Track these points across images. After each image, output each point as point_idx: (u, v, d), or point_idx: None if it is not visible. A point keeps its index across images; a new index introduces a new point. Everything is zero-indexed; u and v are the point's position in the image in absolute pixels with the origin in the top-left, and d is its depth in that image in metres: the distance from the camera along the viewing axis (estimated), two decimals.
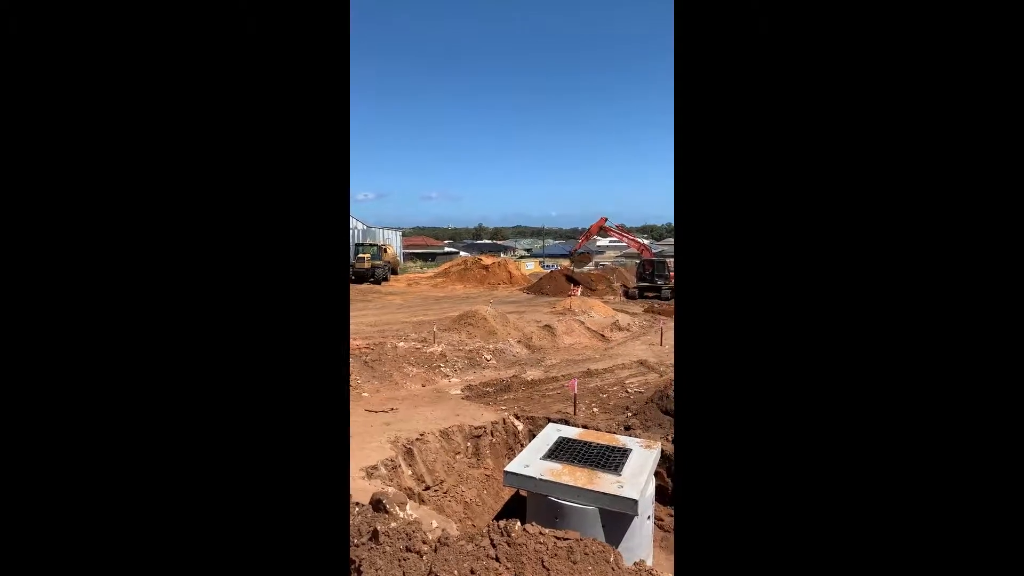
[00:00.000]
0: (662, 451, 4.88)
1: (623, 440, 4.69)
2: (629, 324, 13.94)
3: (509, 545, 2.03)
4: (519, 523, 2.15)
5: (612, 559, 2.15)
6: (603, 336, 12.46)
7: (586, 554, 2.04)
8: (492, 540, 2.05)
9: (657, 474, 4.89)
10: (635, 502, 3.68)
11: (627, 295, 21.29)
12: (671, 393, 5.54)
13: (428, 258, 50.33)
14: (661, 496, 4.97)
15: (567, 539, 2.13)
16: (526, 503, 4.34)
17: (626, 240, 22.02)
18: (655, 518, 4.73)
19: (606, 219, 22.42)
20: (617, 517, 3.79)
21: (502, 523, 2.14)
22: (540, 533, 2.12)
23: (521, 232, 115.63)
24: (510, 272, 27.66)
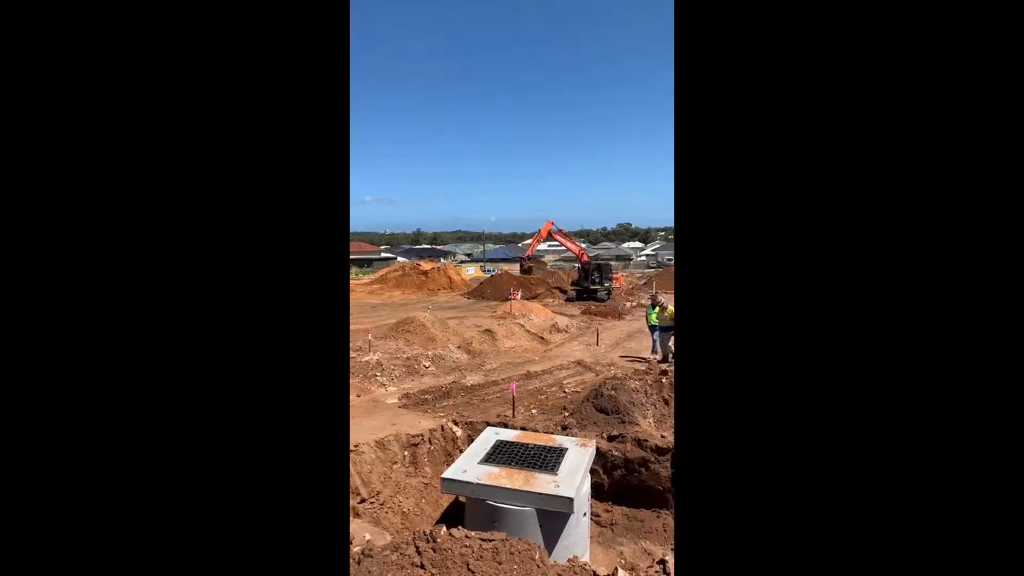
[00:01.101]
0: (597, 448, 5.00)
1: (560, 440, 4.76)
2: (568, 326, 14.20)
3: (435, 551, 1.99)
4: (444, 528, 2.12)
5: (538, 556, 2.16)
6: (542, 338, 12.62)
7: (511, 554, 2.05)
8: (417, 547, 2.01)
9: (593, 471, 5.01)
10: (571, 500, 3.74)
11: (568, 297, 21.60)
12: (605, 391, 5.69)
13: (364, 264, 48.93)
14: (598, 493, 5.08)
15: (492, 540, 2.13)
16: (464, 509, 4.30)
17: (567, 245, 22.36)
18: (592, 514, 4.83)
19: (552, 223, 22.67)
20: (554, 516, 3.83)
21: (427, 530, 2.10)
22: (466, 537, 2.10)
23: (461, 237, 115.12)
24: (450, 277, 27.45)
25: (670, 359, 9.62)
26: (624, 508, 5.07)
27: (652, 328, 10.32)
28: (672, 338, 9.96)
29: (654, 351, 10.18)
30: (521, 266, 23.87)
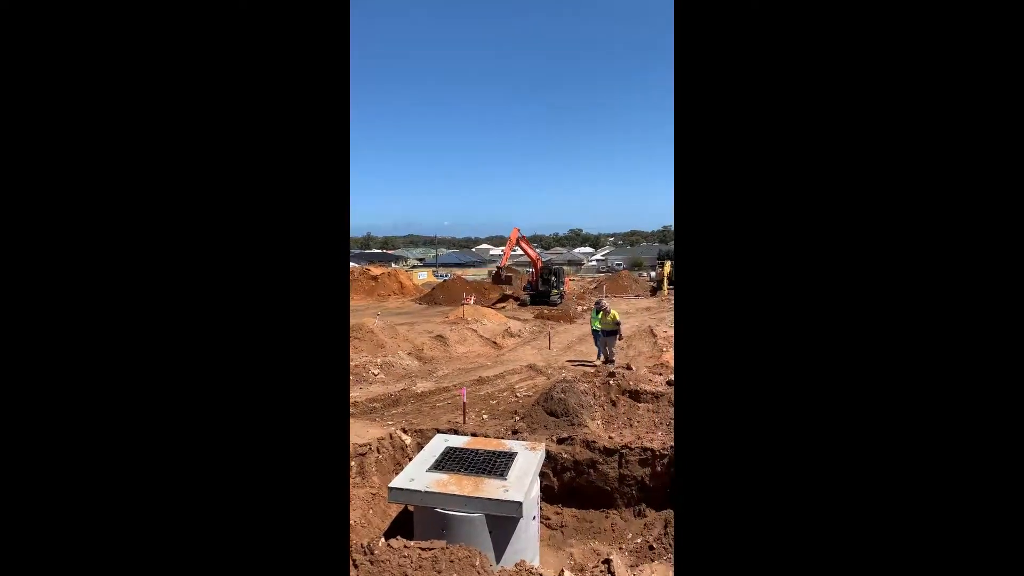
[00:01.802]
0: (547, 451, 5.04)
1: (510, 444, 4.77)
2: (520, 330, 14.27)
3: (372, 563, 1.94)
4: (383, 540, 2.07)
5: (479, 563, 2.15)
6: (495, 343, 12.62)
7: (451, 561, 2.03)
8: (354, 560, 1.95)
9: (543, 474, 5.04)
10: (519, 504, 3.75)
11: (520, 302, 21.63)
12: (555, 394, 5.75)
13: None
14: (548, 495, 5.12)
15: (432, 549, 2.10)
16: (413, 518, 4.22)
17: (527, 251, 22.36)
18: (542, 517, 4.86)
19: (519, 230, 22.59)
20: (503, 521, 3.83)
21: (365, 542, 2.05)
22: (404, 547, 2.06)
23: (413, 241, 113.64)
24: (401, 283, 26.96)
25: (613, 361, 9.83)
26: (574, 510, 5.13)
27: (595, 333, 10.51)
28: (616, 341, 10.18)
29: (599, 355, 10.33)
30: (498, 275, 22.39)
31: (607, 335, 10.20)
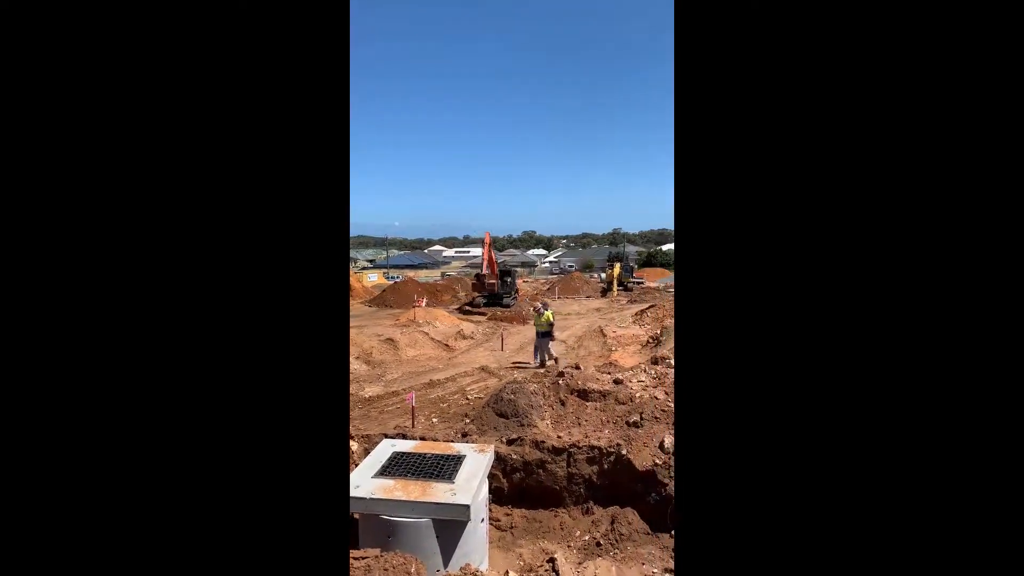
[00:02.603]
0: (496, 453, 5.04)
1: (458, 447, 4.73)
2: (473, 332, 14.23)
3: None
4: None
5: (414, 569, 2.12)
6: (447, 346, 12.52)
7: (385, 570, 1.98)
8: None
9: (493, 476, 5.03)
10: (467, 507, 3.72)
11: (472, 304, 21.41)
12: (504, 396, 5.76)
13: None
14: (498, 497, 5.12)
15: (365, 557, 2.05)
16: (358, 526, 4.11)
17: (488, 255, 22.08)
18: (492, 519, 4.85)
19: (489, 234, 22.29)
20: (451, 525, 3.79)
21: None
22: None
23: (363, 243, 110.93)
24: (350, 285, 26.30)
25: (547, 363, 9.81)
26: (523, 510, 5.16)
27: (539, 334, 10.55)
28: (550, 342, 10.15)
29: (549, 357, 10.30)
30: (483, 283, 20.52)
31: (541, 337, 10.17)
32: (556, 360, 9.99)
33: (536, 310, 10.63)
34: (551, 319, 10.18)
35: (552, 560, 2.96)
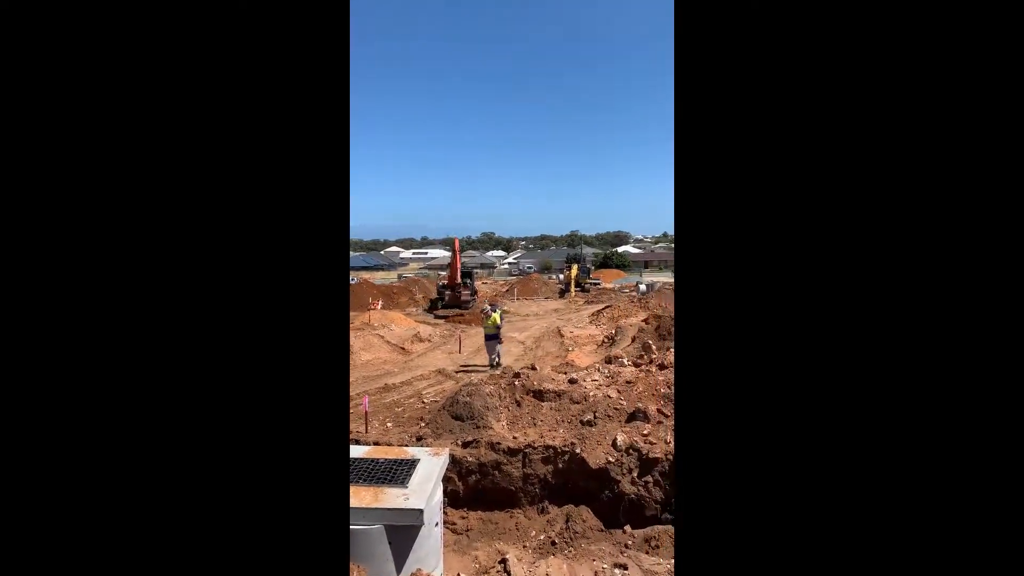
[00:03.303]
0: (452, 456, 5.01)
1: (412, 451, 4.67)
2: (430, 335, 14.09)
3: None
4: None
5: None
6: (403, 349, 12.34)
7: None
8: None
9: (449, 479, 5.00)
10: (420, 512, 3.68)
11: (433, 306, 21.04)
12: (460, 398, 5.74)
13: None
14: (453, 500, 5.09)
15: None
16: None
17: (454, 260, 21.74)
18: (447, 523, 4.81)
19: (457, 240, 21.90)
20: (404, 530, 3.73)
21: None
22: None
23: None
24: None
25: (495, 365, 9.69)
26: (479, 512, 5.14)
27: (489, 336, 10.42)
28: (497, 345, 9.96)
29: (496, 360, 10.08)
30: (451, 292, 19.32)
31: (488, 339, 10.00)
32: (498, 365, 9.71)
33: (484, 312, 10.49)
34: (498, 321, 9.94)
35: (504, 561, 2.97)
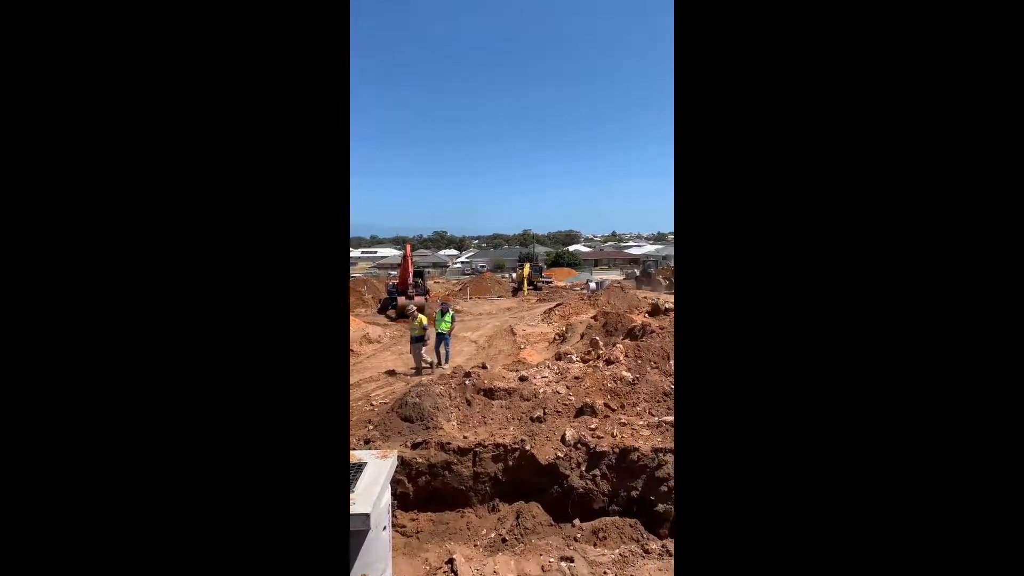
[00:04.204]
0: (400, 458, 4.94)
1: (359, 455, 4.57)
2: (380, 336, 13.81)
3: None
4: None
5: None
6: (352, 350, 12.02)
7: None
8: None
9: (398, 481, 4.93)
10: (367, 516, 3.61)
11: (383, 306, 20.48)
12: (409, 399, 5.66)
13: None
14: (403, 502, 5.02)
15: None
16: None
17: (405, 264, 21.15)
18: (396, 526, 4.74)
19: (409, 245, 21.36)
20: (351, 535, 3.65)
21: None
22: None
23: None
24: None
25: (422, 369, 9.24)
26: (430, 513, 5.10)
27: (439, 336, 9.99)
28: (423, 347, 9.47)
29: (422, 365, 9.56)
30: (396, 303, 18.38)
31: (414, 342, 9.43)
32: (420, 369, 9.29)
33: (411, 314, 9.96)
34: (424, 323, 9.48)
35: (451, 561, 2.96)
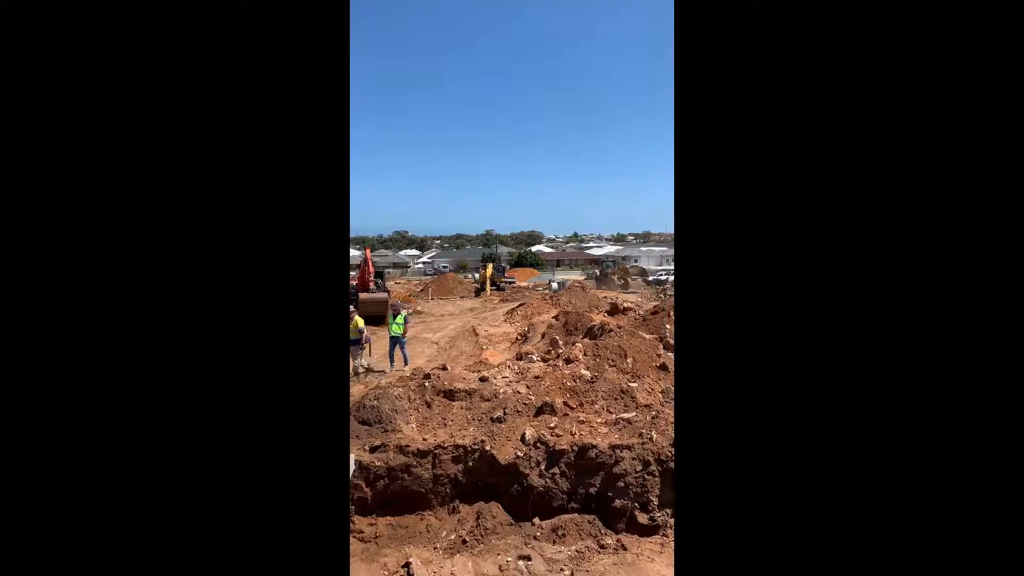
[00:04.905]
0: (359, 462, 4.85)
1: None
2: None
3: None
4: None
5: None
6: None
7: None
8: None
9: (355, 486, 4.83)
10: None
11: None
12: (367, 403, 5.57)
13: None
14: (361, 507, 4.92)
15: None
16: None
17: (366, 267, 20.62)
18: (355, 531, 4.66)
19: (370, 249, 20.83)
20: None
21: None
22: None
23: None
24: None
25: (359, 373, 8.96)
26: (388, 518, 5.02)
27: (392, 339, 9.79)
28: (360, 351, 9.19)
29: (359, 369, 9.24)
30: (365, 292, 17.59)
31: (351, 344, 8.94)
32: (359, 373, 9.06)
33: (351, 317, 9.47)
34: (360, 325, 9.23)
35: (407, 565, 2.93)
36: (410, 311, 18.38)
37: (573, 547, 4.02)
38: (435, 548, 4.59)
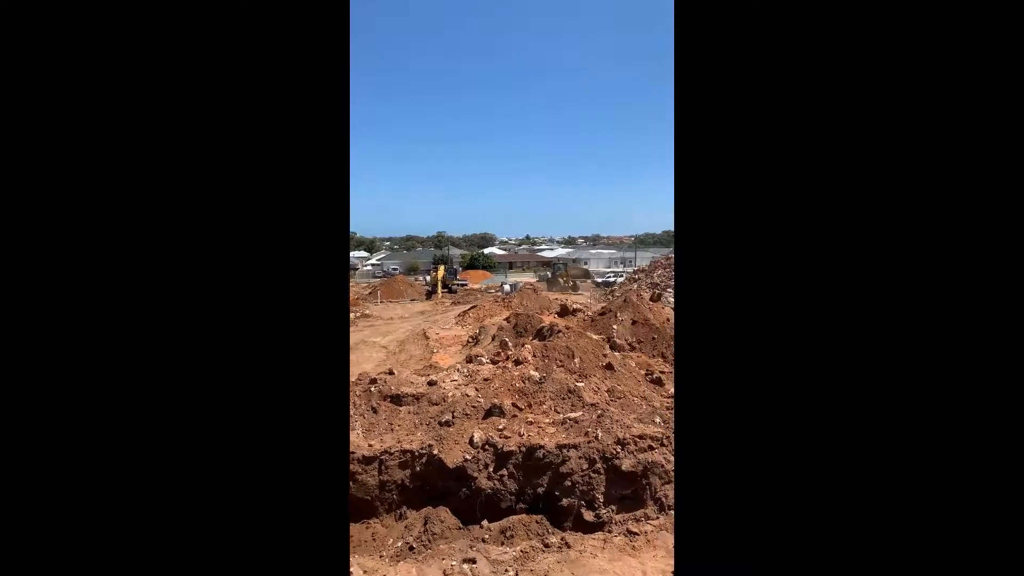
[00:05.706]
0: None
1: None
2: None
3: None
4: None
5: None
6: None
7: None
8: None
9: None
10: None
11: None
12: None
13: None
14: None
15: None
16: None
17: None
18: None
19: None
20: None
21: None
22: None
23: None
24: None
25: None
26: None
27: None
28: None
29: None
30: None
31: None
32: None
33: None
34: None
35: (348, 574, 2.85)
36: (356, 315, 17.95)
37: (519, 547, 4.05)
38: (380, 556, 4.50)
